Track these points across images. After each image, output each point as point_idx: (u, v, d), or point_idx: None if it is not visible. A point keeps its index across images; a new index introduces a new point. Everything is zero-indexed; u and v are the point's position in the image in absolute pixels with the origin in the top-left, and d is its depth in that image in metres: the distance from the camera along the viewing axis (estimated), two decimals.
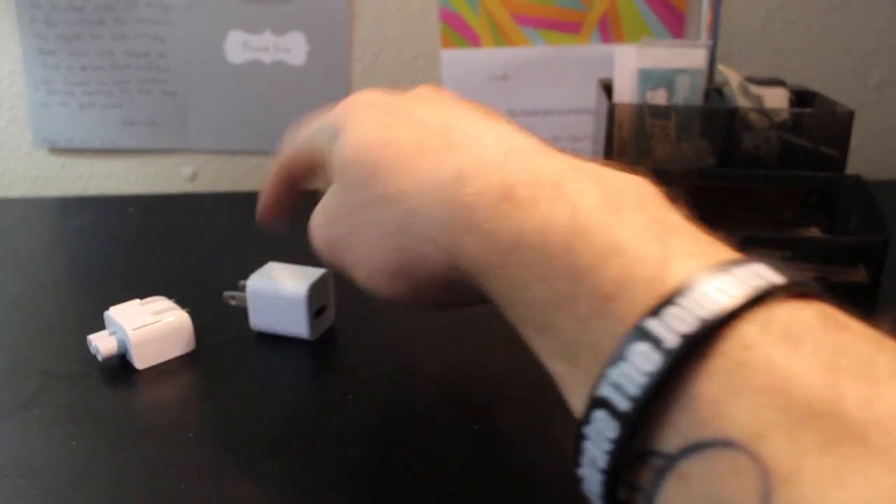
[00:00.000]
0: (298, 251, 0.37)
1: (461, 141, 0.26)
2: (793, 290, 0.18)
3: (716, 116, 0.49)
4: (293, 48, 0.64)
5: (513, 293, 0.23)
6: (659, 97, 0.50)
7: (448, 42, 0.65)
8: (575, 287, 0.20)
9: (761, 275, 0.18)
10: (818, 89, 0.52)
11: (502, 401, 0.35)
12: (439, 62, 0.65)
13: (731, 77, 0.50)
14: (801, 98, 0.51)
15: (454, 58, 0.65)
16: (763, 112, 0.48)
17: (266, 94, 0.65)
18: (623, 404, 0.18)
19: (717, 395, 0.17)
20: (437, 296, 0.27)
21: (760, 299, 0.17)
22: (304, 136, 0.33)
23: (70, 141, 0.66)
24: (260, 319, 0.40)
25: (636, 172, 0.24)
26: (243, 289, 0.40)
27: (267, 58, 0.64)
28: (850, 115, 0.47)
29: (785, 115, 0.48)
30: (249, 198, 0.64)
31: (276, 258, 0.41)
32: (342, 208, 0.28)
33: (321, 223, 0.30)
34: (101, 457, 0.31)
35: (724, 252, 0.20)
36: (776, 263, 0.19)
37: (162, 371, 0.37)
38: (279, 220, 0.36)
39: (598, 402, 0.18)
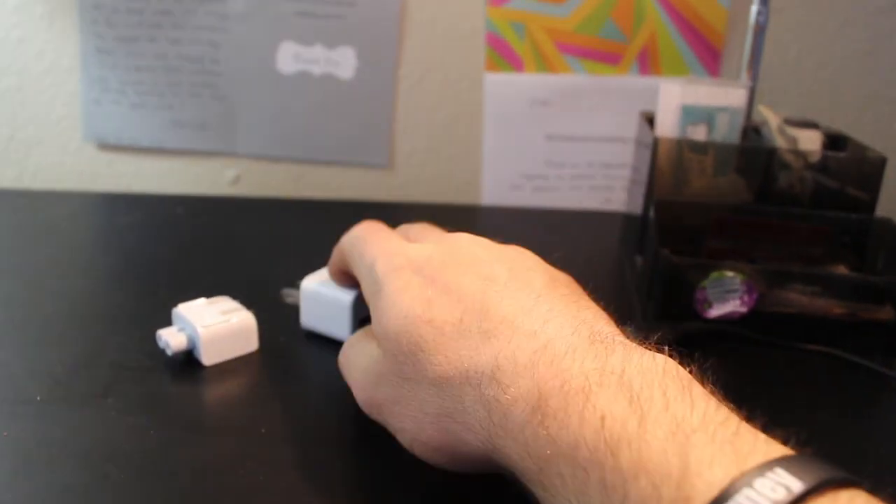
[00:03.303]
0: None
1: (498, 328, 0.27)
2: (821, 490, 0.19)
3: (754, 154, 0.51)
4: (343, 62, 0.66)
5: (548, 497, 0.23)
6: (699, 133, 0.53)
7: (492, 65, 0.67)
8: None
9: (783, 482, 0.19)
10: (844, 132, 0.54)
11: None
12: (482, 84, 0.68)
13: (770, 118, 0.52)
14: (833, 140, 0.54)
15: (497, 81, 0.67)
16: (798, 153, 0.51)
17: (313, 104, 0.67)
18: None
19: None
20: (477, 468, 0.28)
21: None
22: (344, 256, 0.37)
23: (119, 139, 0.69)
24: (309, 319, 0.42)
25: (662, 351, 0.25)
26: (299, 287, 0.42)
27: (316, 70, 0.67)
28: (882, 161, 0.49)
29: (819, 157, 0.51)
30: (291, 205, 0.67)
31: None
32: (388, 375, 0.30)
33: (366, 384, 0.31)
34: (178, 448, 0.33)
35: (747, 448, 0.20)
36: (799, 461, 0.19)
37: (226, 369, 0.39)
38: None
39: None
